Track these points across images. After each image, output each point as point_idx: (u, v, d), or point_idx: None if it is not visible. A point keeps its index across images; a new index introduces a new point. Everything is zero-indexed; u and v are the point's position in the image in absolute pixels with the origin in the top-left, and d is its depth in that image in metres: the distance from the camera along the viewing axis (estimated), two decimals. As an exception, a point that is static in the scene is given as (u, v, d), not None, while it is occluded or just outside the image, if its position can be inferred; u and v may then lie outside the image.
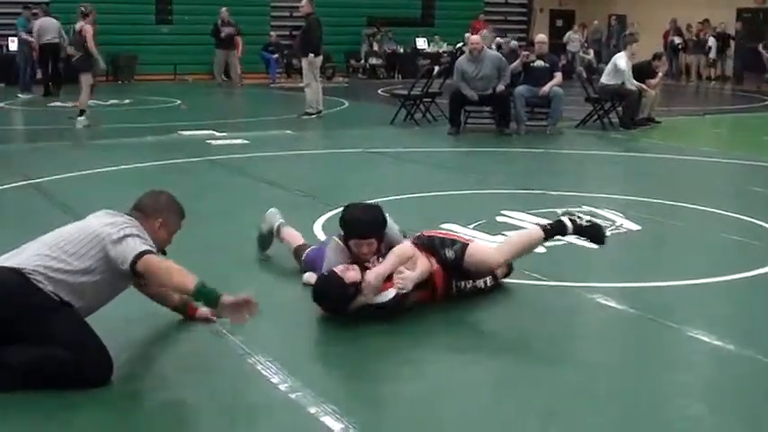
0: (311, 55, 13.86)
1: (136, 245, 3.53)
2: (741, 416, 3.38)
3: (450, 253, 4.51)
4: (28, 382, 3.41)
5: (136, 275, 3.57)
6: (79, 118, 12.34)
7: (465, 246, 4.55)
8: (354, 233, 4.46)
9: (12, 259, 3.58)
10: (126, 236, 3.56)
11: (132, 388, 3.50)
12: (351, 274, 4.23)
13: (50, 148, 10.65)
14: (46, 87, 17.96)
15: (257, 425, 3.29)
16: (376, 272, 4.20)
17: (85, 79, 12.29)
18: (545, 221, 6.38)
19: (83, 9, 12.51)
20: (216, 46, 19.86)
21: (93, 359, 3.46)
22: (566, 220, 4.72)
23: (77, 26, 12.60)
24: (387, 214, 4.62)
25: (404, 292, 4.21)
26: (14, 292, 3.45)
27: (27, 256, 3.56)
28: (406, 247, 4.42)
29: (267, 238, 5.39)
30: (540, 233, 4.72)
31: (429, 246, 4.55)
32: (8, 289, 3.46)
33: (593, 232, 4.75)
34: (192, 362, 3.84)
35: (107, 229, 3.61)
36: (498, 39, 17.75)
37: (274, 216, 5.38)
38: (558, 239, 5.91)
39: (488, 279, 4.66)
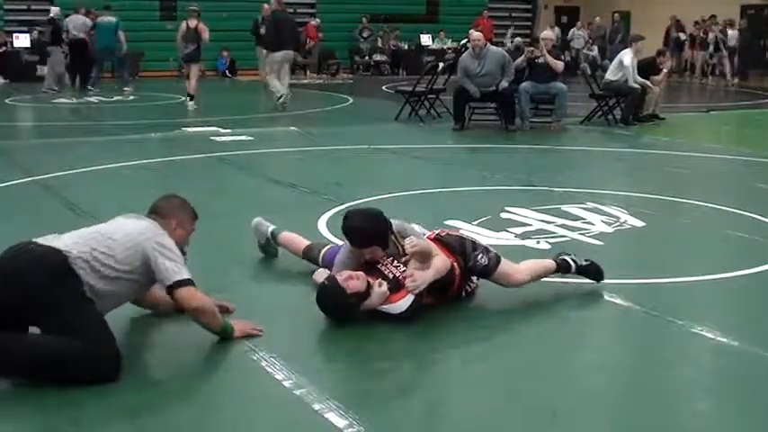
0: (264, 51, 14.87)
1: (179, 270, 3.73)
2: (747, 412, 3.37)
3: (483, 260, 4.49)
4: (33, 370, 3.43)
5: (170, 296, 3.75)
6: (189, 102, 14.47)
7: (499, 258, 4.56)
8: (354, 242, 4.44)
9: (56, 241, 3.66)
10: (168, 252, 3.74)
11: (136, 385, 3.50)
12: (353, 283, 4.16)
13: (55, 145, 10.66)
14: (77, 81, 18.59)
15: (261, 421, 3.29)
16: (423, 278, 4.15)
17: (194, 69, 14.74)
18: (549, 218, 6.42)
19: (196, 9, 14.82)
20: (257, 43, 19.86)
21: (105, 355, 3.48)
22: (568, 259, 4.79)
23: (191, 24, 14.61)
24: (394, 220, 4.55)
25: (417, 292, 4.16)
26: (54, 272, 3.52)
27: (73, 243, 3.64)
28: (443, 258, 4.31)
29: (269, 248, 5.31)
30: (554, 266, 4.77)
31: (458, 247, 4.51)
32: (49, 267, 3.53)
33: (593, 270, 4.82)
34: (196, 358, 3.85)
35: (145, 234, 3.76)
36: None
37: (261, 225, 5.29)
38: (562, 236, 5.94)
39: (475, 279, 4.66)
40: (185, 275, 3.73)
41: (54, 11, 18.70)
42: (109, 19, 18.55)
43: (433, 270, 4.19)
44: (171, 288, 3.71)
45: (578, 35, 25.40)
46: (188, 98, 14.61)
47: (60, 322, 3.46)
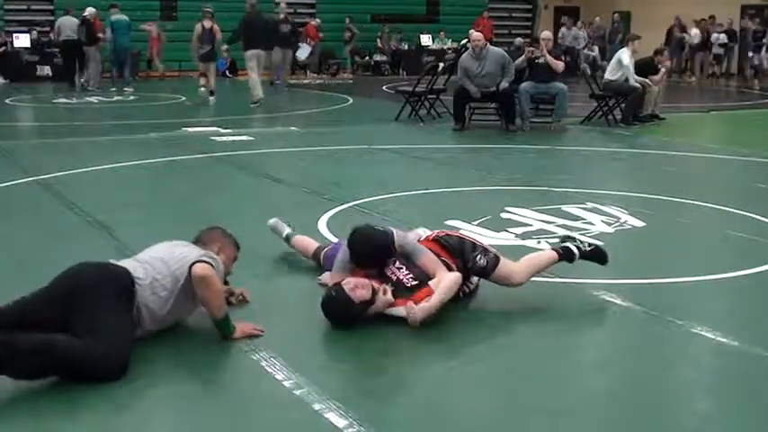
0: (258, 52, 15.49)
1: (203, 256, 3.93)
2: (747, 412, 3.37)
3: (482, 261, 4.49)
4: (39, 367, 3.41)
5: (189, 275, 3.86)
6: (211, 98, 15.52)
7: (498, 258, 4.54)
8: (352, 259, 4.45)
9: (125, 263, 3.90)
10: (209, 255, 3.99)
11: (136, 384, 3.50)
12: (360, 292, 4.16)
13: (55, 145, 10.66)
14: (74, 81, 18.75)
15: (261, 421, 3.29)
16: (427, 308, 4.16)
17: (213, 67, 15.96)
18: (549, 218, 6.42)
19: (210, 10, 15.56)
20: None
21: (118, 360, 3.51)
22: (572, 247, 4.74)
23: (207, 25, 15.35)
24: (397, 232, 4.50)
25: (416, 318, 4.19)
26: (119, 287, 3.71)
27: (134, 268, 3.83)
28: (454, 280, 4.33)
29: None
30: (555, 257, 4.72)
31: (458, 249, 4.51)
32: (121, 282, 3.73)
33: (598, 254, 4.79)
34: (195, 357, 3.85)
35: (195, 249, 4.04)
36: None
37: (278, 225, 5.38)
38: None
39: (475, 279, 4.66)
40: (210, 261, 3.89)
41: (89, 11, 18.79)
42: (124, 18, 18.67)
43: (436, 301, 4.21)
44: (192, 265, 3.84)
45: (578, 35, 25.37)
46: (209, 95, 15.56)
47: (92, 328, 3.49)
